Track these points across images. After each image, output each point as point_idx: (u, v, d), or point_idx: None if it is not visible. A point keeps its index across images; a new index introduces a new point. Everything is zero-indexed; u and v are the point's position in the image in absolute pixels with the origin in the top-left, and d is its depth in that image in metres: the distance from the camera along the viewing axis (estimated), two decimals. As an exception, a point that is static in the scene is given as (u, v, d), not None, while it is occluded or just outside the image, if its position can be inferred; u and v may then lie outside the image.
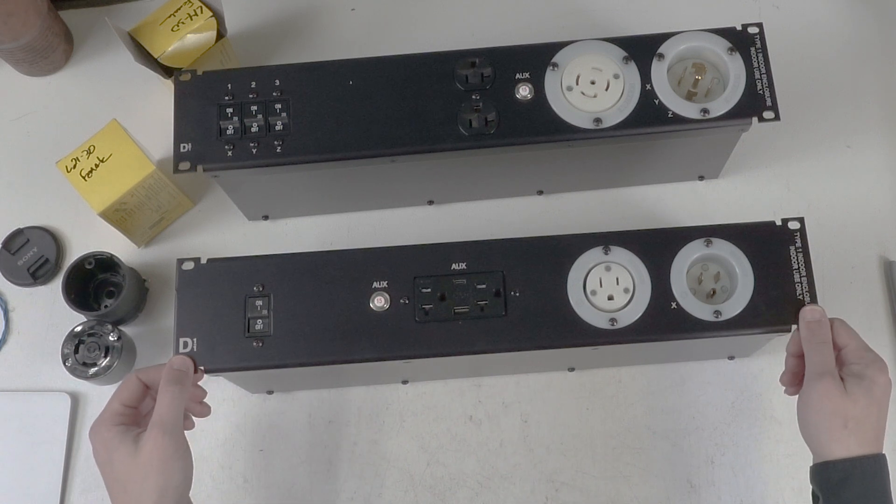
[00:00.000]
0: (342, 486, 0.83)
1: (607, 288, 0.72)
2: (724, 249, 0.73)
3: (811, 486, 0.68)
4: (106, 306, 0.86)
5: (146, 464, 0.65)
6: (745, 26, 0.78)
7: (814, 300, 0.72)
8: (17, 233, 0.90)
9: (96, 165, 0.83)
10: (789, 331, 0.72)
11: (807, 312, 0.71)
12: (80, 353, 0.84)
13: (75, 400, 0.86)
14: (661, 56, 0.77)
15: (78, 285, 0.85)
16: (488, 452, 0.84)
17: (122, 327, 0.85)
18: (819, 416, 0.68)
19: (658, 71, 0.77)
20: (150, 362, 0.87)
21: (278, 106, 0.77)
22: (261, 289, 0.73)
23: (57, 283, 0.87)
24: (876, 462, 0.67)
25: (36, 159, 0.93)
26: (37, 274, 0.89)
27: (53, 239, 0.90)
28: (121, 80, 0.95)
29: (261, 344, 0.72)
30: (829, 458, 0.66)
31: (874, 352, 0.70)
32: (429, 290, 0.72)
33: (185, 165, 0.77)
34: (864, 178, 0.91)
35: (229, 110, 0.77)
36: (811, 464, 0.68)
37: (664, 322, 0.72)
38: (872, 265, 0.88)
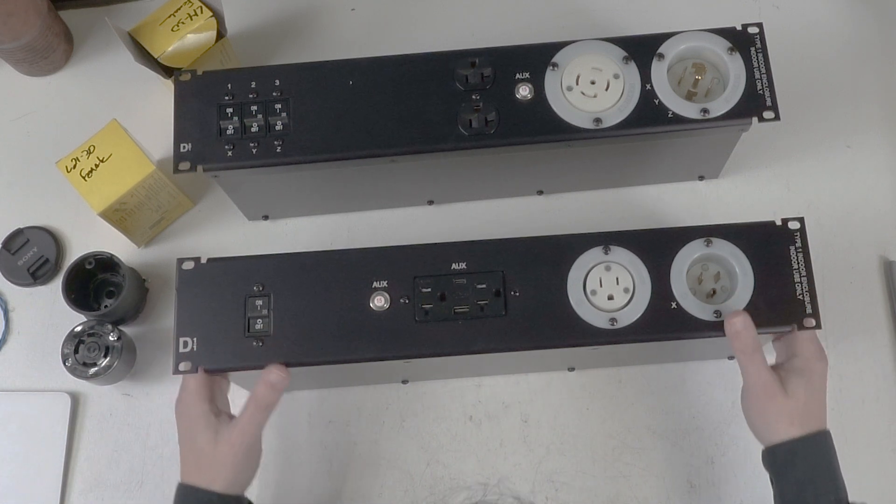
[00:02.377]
0: (342, 486, 0.83)
1: (607, 288, 0.72)
2: (724, 249, 0.73)
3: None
4: (106, 306, 0.86)
5: (222, 458, 0.70)
6: (745, 26, 0.78)
7: (814, 300, 0.72)
8: (17, 233, 0.90)
9: (96, 165, 0.83)
10: (789, 331, 0.72)
11: (728, 324, 0.70)
12: (80, 353, 0.83)
13: (75, 400, 0.86)
14: (661, 56, 0.77)
15: (78, 285, 0.85)
16: (488, 452, 0.84)
17: (122, 327, 0.85)
18: (762, 418, 0.70)
19: (658, 71, 0.77)
20: (150, 362, 0.87)
21: (278, 106, 0.77)
22: (261, 289, 0.73)
23: (57, 283, 0.87)
24: (820, 438, 0.69)
25: (36, 159, 0.93)
26: (37, 274, 0.89)
27: (53, 239, 0.90)
28: (121, 80, 0.95)
29: (261, 344, 0.72)
30: (775, 442, 0.69)
31: (815, 342, 0.72)
32: (429, 289, 0.72)
33: (185, 165, 0.77)
34: (864, 178, 0.91)
35: (229, 110, 0.77)
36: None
37: (664, 322, 0.72)
38: (872, 265, 0.88)
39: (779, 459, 0.69)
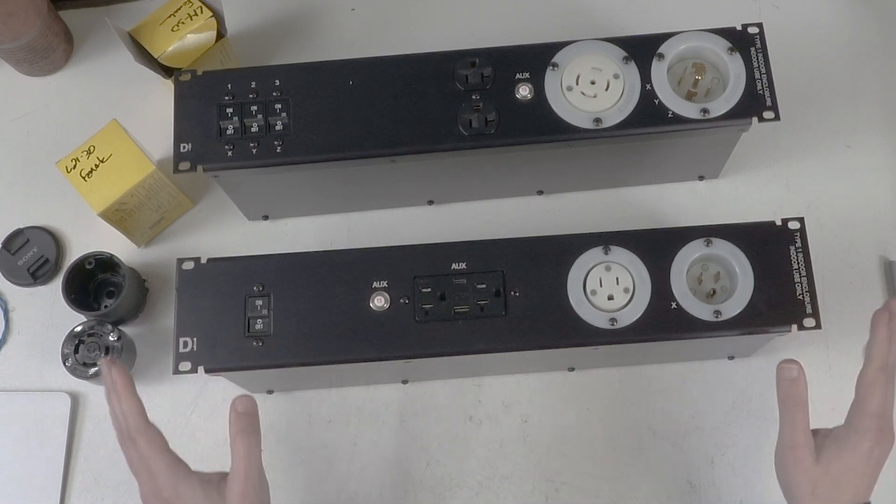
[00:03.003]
0: (342, 486, 0.83)
1: (607, 288, 0.72)
2: (724, 249, 0.73)
3: None
4: (106, 306, 0.86)
5: None
6: (745, 26, 0.78)
7: (814, 300, 0.72)
8: (17, 233, 0.90)
9: (96, 165, 0.83)
10: (789, 331, 0.72)
11: (784, 369, 0.67)
12: (80, 353, 0.84)
13: (75, 400, 0.86)
14: (661, 56, 0.77)
15: (78, 285, 0.85)
16: (488, 452, 0.84)
17: (122, 327, 0.85)
18: (786, 479, 0.67)
19: (658, 71, 0.77)
20: (150, 362, 0.87)
21: (278, 106, 0.77)
22: (261, 289, 0.73)
23: (57, 283, 0.87)
24: None
25: (36, 159, 0.93)
26: (37, 274, 0.89)
27: (53, 239, 0.90)
28: (121, 80, 0.95)
29: (261, 344, 0.72)
30: None
31: (874, 418, 0.66)
32: (429, 289, 0.72)
33: (185, 165, 0.77)
34: (864, 178, 0.91)
35: (229, 110, 0.77)
36: None
37: (664, 322, 0.72)
38: (872, 265, 0.88)
39: None
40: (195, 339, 0.72)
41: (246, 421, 0.66)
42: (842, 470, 0.65)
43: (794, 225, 0.74)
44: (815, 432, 0.67)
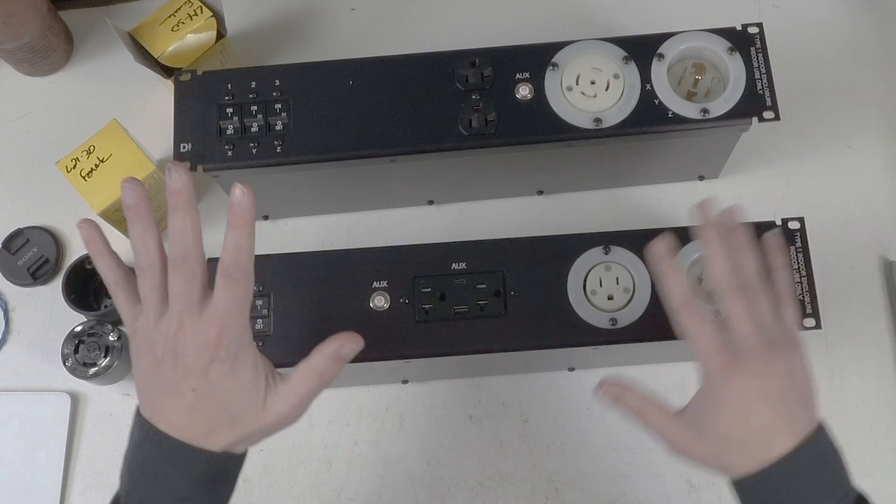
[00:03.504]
0: (342, 486, 0.83)
1: (607, 288, 0.72)
2: (724, 249, 0.73)
3: None
4: (106, 306, 0.86)
5: (260, 427, 0.58)
6: (745, 26, 0.78)
7: (814, 300, 0.72)
8: (17, 233, 0.90)
9: (96, 165, 0.83)
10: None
11: (604, 393, 0.63)
12: (80, 353, 0.84)
13: (75, 400, 0.86)
14: (661, 56, 0.77)
15: (78, 285, 0.85)
16: (488, 452, 0.84)
17: (122, 327, 0.85)
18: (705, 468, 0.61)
19: (658, 71, 0.77)
20: (150, 362, 0.87)
21: (278, 106, 0.77)
22: (261, 288, 0.73)
23: (57, 283, 0.87)
24: (772, 473, 0.58)
25: (36, 159, 0.93)
26: (37, 274, 0.89)
27: (53, 239, 0.90)
28: (121, 80, 0.95)
29: (261, 344, 0.72)
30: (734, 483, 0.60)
31: (721, 350, 0.60)
32: (429, 289, 0.72)
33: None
34: (864, 178, 0.91)
35: (229, 110, 0.77)
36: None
37: (664, 322, 0.71)
38: (872, 265, 0.88)
39: (740, 497, 0.60)
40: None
41: (336, 365, 0.59)
42: (721, 423, 0.59)
43: (794, 225, 0.74)
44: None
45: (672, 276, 0.62)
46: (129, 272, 0.59)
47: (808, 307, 0.72)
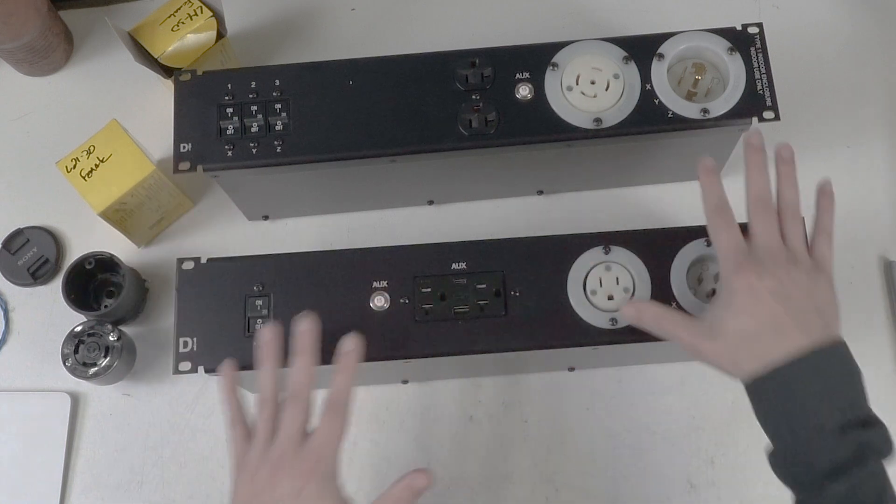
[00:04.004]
0: (342, 486, 0.83)
1: (607, 288, 0.72)
2: (724, 249, 0.73)
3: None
4: (106, 306, 0.86)
5: None
6: (745, 26, 0.78)
7: None
8: (17, 233, 0.90)
9: (96, 165, 0.83)
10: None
11: (627, 317, 0.68)
12: (80, 353, 0.83)
13: (75, 400, 0.86)
14: (661, 56, 0.77)
15: (78, 285, 0.85)
16: (488, 452, 0.84)
17: (122, 327, 0.85)
18: (718, 368, 0.64)
19: (658, 71, 0.77)
20: (150, 362, 0.87)
21: (278, 106, 0.77)
22: (261, 289, 0.73)
23: (57, 283, 0.87)
24: (786, 372, 0.59)
25: (36, 159, 0.93)
26: (37, 274, 0.89)
27: (53, 239, 0.90)
28: (121, 80, 0.95)
29: (261, 344, 0.72)
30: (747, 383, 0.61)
31: (724, 259, 0.64)
32: (429, 289, 0.72)
33: (185, 165, 0.77)
34: (864, 178, 0.91)
35: (229, 110, 0.77)
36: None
37: (664, 322, 0.72)
38: (872, 265, 0.88)
39: (752, 400, 0.62)
40: (195, 339, 0.72)
41: (412, 497, 0.62)
42: (737, 322, 0.62)
43: (794, 225, 0.74)
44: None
45: (713, 184, 0.67)
46: (245, 416, 0.66)
47: None
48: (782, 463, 0.62)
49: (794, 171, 0.67)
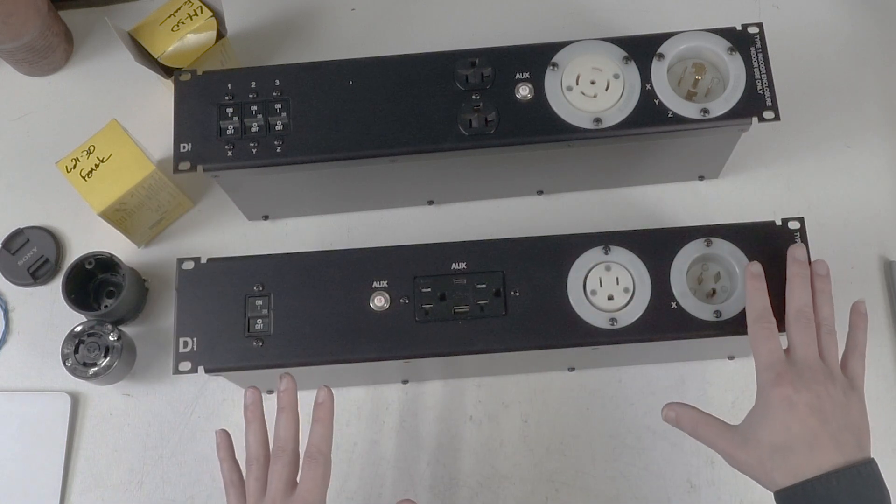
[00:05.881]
0: (342, 486, 0.83)
1: (607, 288, 0.72)
2: (724, 249, 0.73)
3: None
4: (106, 306, 0.86)
5: None
6: (744, 26, 0.78)
7: None
8: (17, 233, 0.90)
9: (96, 165, 0.83)
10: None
11: (666, 417, 0.69)
12: (80, 353, 0.83)
13: (75, 400, 0.86)
14: (661, 56, 0.77)
15: (78, 285, 0.85)
16: (488, 452, 0.84)
17: (122, 327, 0.85)
18: (750, 476, 0.65)
19: (658, 71, 0.77)
20: (150, 362, 0.87)
21: (278, 106, 0.77)
22: (261, 288, 0.73)
23: (57, 283, 0.87)
24: (815, 485, 0.60)
25: (36, 159, 0.93)
26: (37, 274, 0.89)
27: (53, 239, 0.90)
28: (121, 80, 0.95)
29: (261, 343, 0.72)
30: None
31: (763, 369, 0.65)
32: (429, 289, 0.72)
33: (185, 165, 0.77)
34: (864, 178, 0.91)
35: (229, 110, 0.77)
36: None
37: (664, 322, 0.72)
38: (872, 265, 0.88)
39: None
40: (195, 339, 0.72)
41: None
42: (772, 433, 0.62)
43: (794, 225, 0.74)
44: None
45: (759, 291, 0.68)
46: (241, 477, 0.70)
47: None
48: None
49: (830, 288, 0.69)
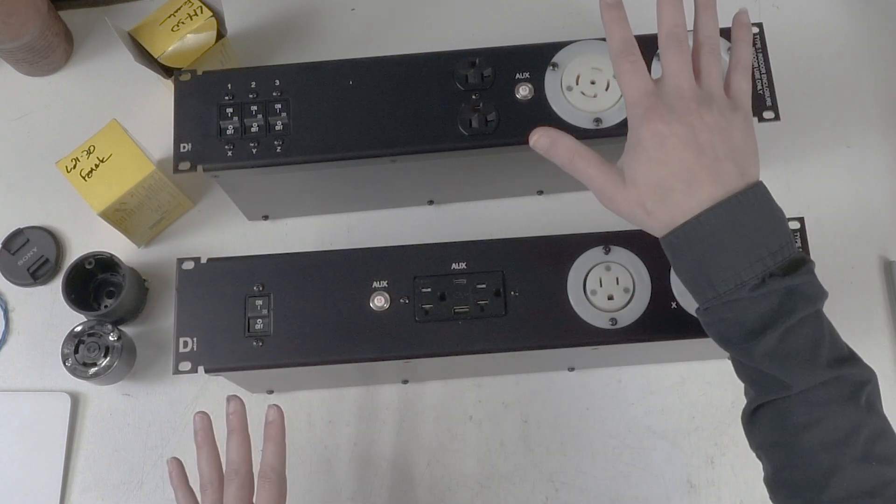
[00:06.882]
0: (342, 486, 0.83)
1: (607, 288, 0.72)
2: (724, 249, 0.73)
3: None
4: (106, 306, 0.86)
5: None
6: (745, 26, 0.78)
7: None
8: (17, 233, 0.90)
9: (96, 165, 0.83)
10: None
11: (534, 143, 0.61)
12: (80, 353, 0.83)
13: (75, 400, 0.86)
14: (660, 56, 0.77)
15: (78, 285, 0.85)
16: (488, 452, 0.84)
17: (122, 327, 0.85)
18: (627, 218, 0.60)
19: (658, 71, 0.77)
20: (150, 362, 0.87)
21: (278, 106, 0.77)
22: (261, 288, 0.73)
23: (57, 283, 0.87)
24: (708, 218, 0.56)
25: (36, 159, 0.93)
26: (37, 274, 0.89)
27: (53, 239, 0.90)
28: (121, 80, 0.95)
29: (261, 344, 0.72)
30: (659, 236, 0.58)
31: (632, 106, 0.59)
32: (429, 289, 0.72)
33: (185, 165, 0.77)
34: (864, 178, 0.91)
35: (229, 110, 0.77)
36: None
37: (664, 322, 0.72)
38: (872, 265, 0.88)
39: (668, 256, 0.59)
40: (195, 339, 0.72)
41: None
42: (649, 169, 0.58)
43: (793, 225, 0.74)
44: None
45: (618, 22, 0.60)
46: (195, 501, 0.70)
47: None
48: (708, 321, 0.59)
49: (710, 3, 0.61)
